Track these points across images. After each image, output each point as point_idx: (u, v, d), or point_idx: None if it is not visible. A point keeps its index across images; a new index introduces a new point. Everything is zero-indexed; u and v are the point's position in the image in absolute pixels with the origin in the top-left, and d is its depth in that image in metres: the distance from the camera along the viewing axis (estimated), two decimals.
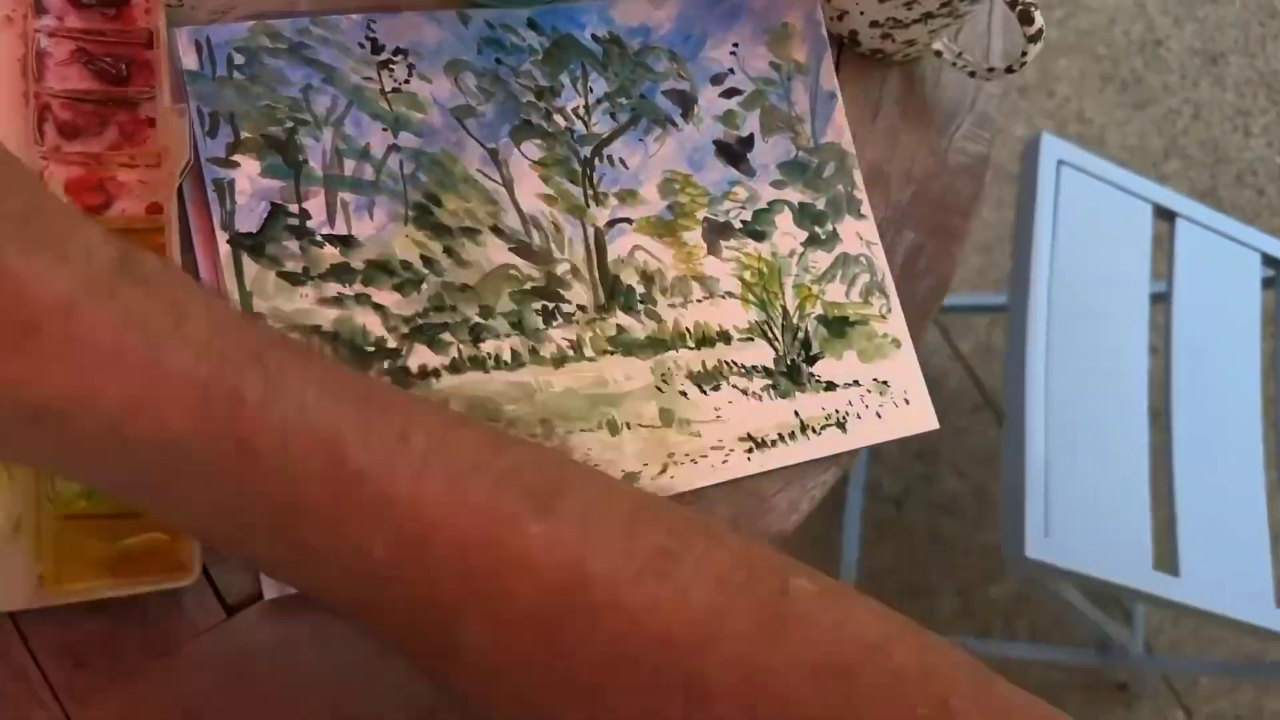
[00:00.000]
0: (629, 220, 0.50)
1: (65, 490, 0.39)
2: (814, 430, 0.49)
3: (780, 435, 0.49)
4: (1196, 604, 1.03)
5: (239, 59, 0.46)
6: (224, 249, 0.43)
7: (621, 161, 0.51)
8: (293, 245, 0.44)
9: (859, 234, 0.53)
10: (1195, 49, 2.09)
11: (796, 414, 0.49)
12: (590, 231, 0.49)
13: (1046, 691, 0.32)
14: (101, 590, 0.38)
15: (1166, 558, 1.05)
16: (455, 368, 0.45)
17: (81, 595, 0.38)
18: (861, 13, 0.55)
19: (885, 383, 0.51)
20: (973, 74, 0.57)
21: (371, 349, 0.44)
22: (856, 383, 0.51)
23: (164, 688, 0.39)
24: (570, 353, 0.47)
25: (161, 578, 0.39)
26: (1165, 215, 1.19)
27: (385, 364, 0.44)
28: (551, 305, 0.47)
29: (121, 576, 0.39)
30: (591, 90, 0.51)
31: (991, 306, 1.59)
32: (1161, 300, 1.16)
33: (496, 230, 0.48)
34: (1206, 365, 1.14)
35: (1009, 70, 0.55)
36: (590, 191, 0.50)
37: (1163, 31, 2.08)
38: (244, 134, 0.45)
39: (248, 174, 0.44)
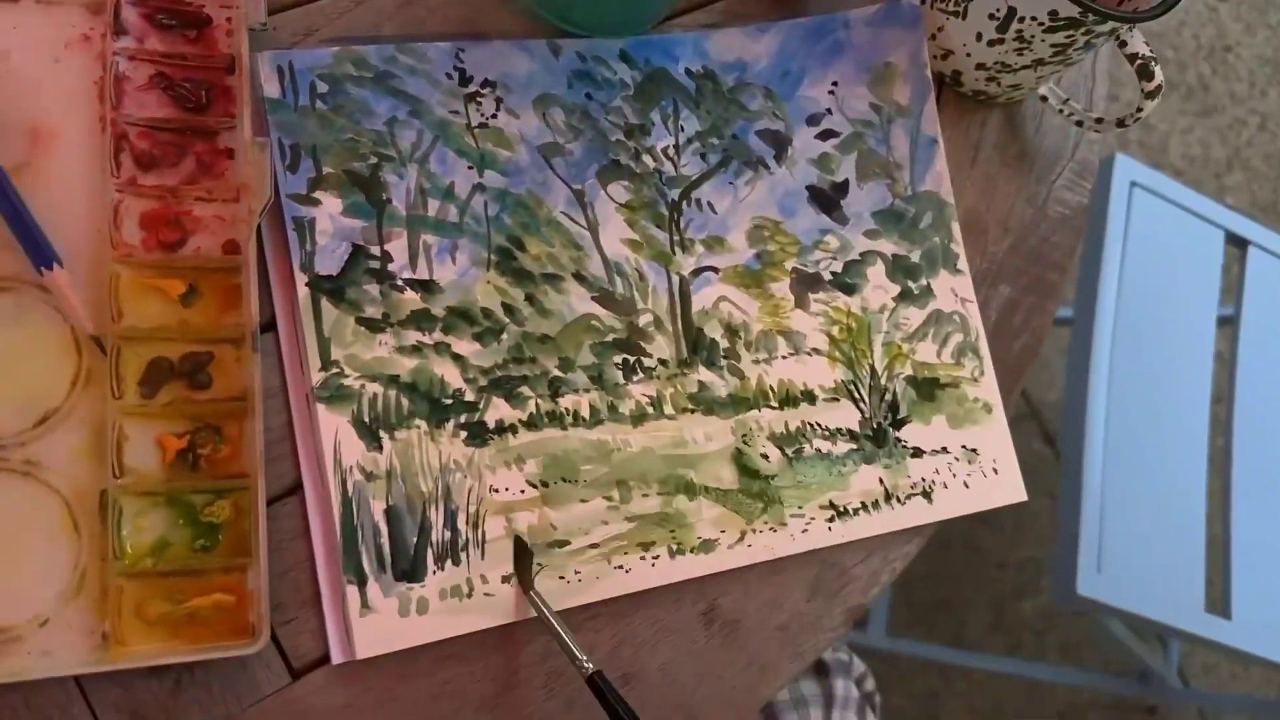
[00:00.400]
0: (715, 269, 0.48)
1: (132, 547, 0.38)
2: (899, 500, 0.47)
3: (864, 504, 0.47)
4: (1248, 649, 1.01)
5: (322, 87, 0.43)
6: (303, 292, 0.41)
7: (710, 206, 0.48)
8: (373, 289, 0.42)
9: (954, 290, 0.51)
10: (1265, 57, 2.02)
11: (881, 481, 0.47)
12: (675, 281, 0.47)
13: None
14: (165, 656, 0.37)
15: (1219, 600, 1.02)
16: (532, 423, 0.43)
17: (144, 660, 0.37)
18: (968, 54, 0.52)
19: (974, 450, 0.49)
20: (1080, 123, 0.54)
21: (449, 401, 0.42)
22: (945, 449, 0.49)
23: None
24: (650, 410, 0.45)
25: (228, 644, 0.38)
26: (1237, 242, 1.15)
27: (463, 417, 0.42)
28: (632, 359, 0.45)
29: (186, 638, 0.38)
30: (683, 129, 0.49)
31: None
32: (1227, 324, 1.12)
33: (579, 277, 0.45)
34: (1270, 403, 1.10)
35: (1120, 124, 0.52)
36: (676, 237, 0.47)
37: (1233, 38, 2.01)
38: (326, 169, 0.43)
39: (329, 212, 0.42)
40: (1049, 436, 1.65)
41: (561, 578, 0.42)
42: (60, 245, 0.39)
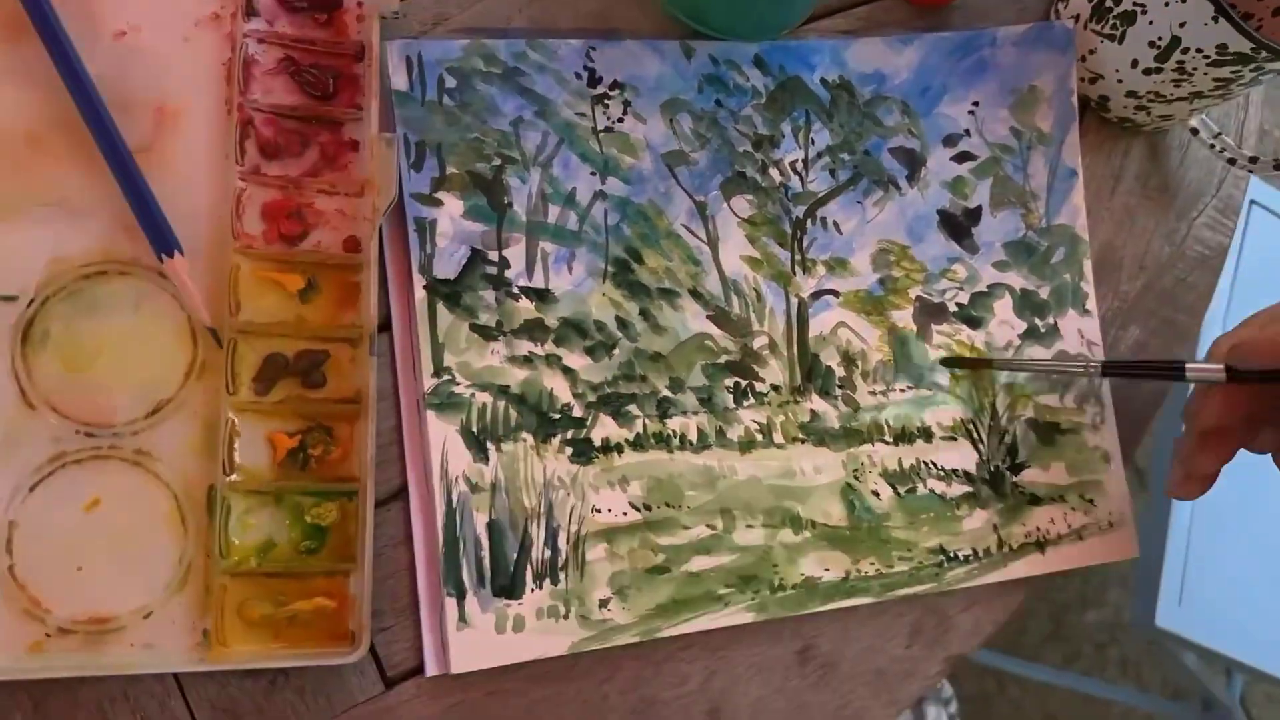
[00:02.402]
0: (835, 293, 0.46)
1: (237, 545, 0.37)
2: (1010, 549, 0.45)
3: (974, 550, 0.45)
4: None
5: (451, 82, 0.42)
6: (420, 295, 0.40)
7: (835, 225, 0.46)
8: (489, 296, 0.41)
9: (1081, 331, 0.48)
10: None
11: (995, 528, 0.45)
12: (793, 303, 0.45)
13: None
14: (265, 659, 0.37)
15: None
16: (639, 444, 0.42)
17: (244, 662, 0.36)
18: (1120, 80, 0.49)
19: (1091, 501, 0.47)
20: (1232, 161, 0.51)
21: (557, 415, 0.41)
22: (1062, 498, 0.47)
23: None
24: (759, 437, 0.44)
25: (328, 650, 0.37)
26: None
27: (570, 433, 0.41)
28: (744, 383, 0.44)
29: (286, 641, 0.37)
30: (813, 142, 0.46)
31: None
32: None
33: (695, 294, 0.44)
34: None
35: (1278, 166, 0.49)
36: (798, 257, 0.46)
37: None
38: (450, 169, 0.42)
39: (450, 214, 0.41)
40: (1137, 469, 1.61)
41: (659, 605, 0.41)
42: (180, 232, 0.39)
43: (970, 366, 0.46)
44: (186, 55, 0.40)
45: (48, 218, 0.38)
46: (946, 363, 0.46)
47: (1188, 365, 0.41)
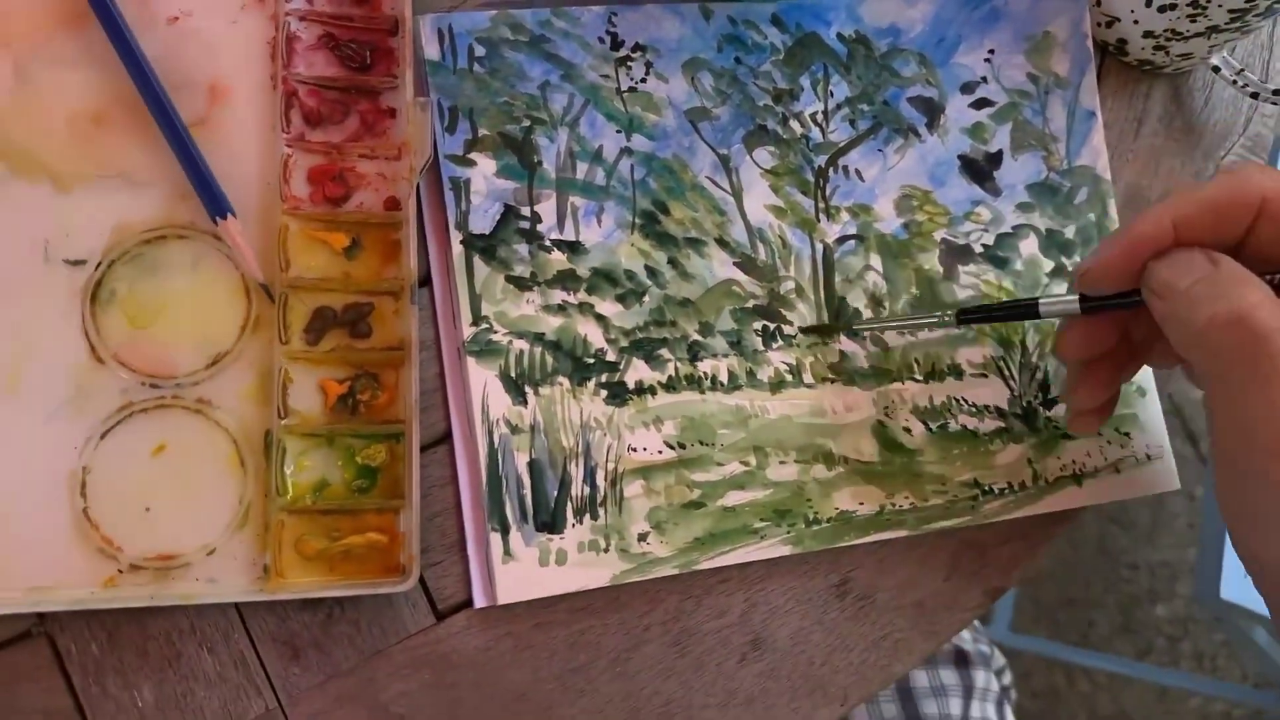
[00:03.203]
0: (860, 237, 0.47)
1: (294, 485, 0.39)
2: (1046, 482, 0.46)
3: (1009, 484, 0.46)
4: None
5: (480, 50, 0.44)
6: (457, 249, 0.43)
7: (858, 173, 0.48)
8: (523, 249, 0.43)
9: None
10: None
11: (1029, 462, 0.46)
12: (819, 248, 0.46)
13: None
14: (322, 588, 0.39)
15: None
16: (671, 386, 0.44)
17: (302, 591, 0.38)
18: (1135, 21, 0.49)
19: (1128, 434, 0.47)
20: (1255, 95, 0.51)
21: (591, 360, 0.43)
22: (1098, 432, 0.47)
23: (371, 687, 0.40)
24: (789, 377, 0.45)
25: (380, 580, 0.39)
26: None
27: (604, 376, 0.43)
28: (773, 326, 0.45)
29: (341, 574, 0.39)
30: (832, 94, 0.48)
31: None
32: None
33: (722, 243, 0.45)
34: None
35: None
36: (822, 204, 0.47)
37: None
38: (482, 131, 0.44)
39: (484, 173, 0.43)
40: (1191, 435, 1.57)
41: (696, 539, 0.42)
42: (233, 197, 0.41)
43: (820, 333, 0.46)
44: (235, 36, 0.43)
45: (112, 188, 0.41)
46: (805, 330, 0.45)
47: (1041, 301, 0.40)
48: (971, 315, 0.43)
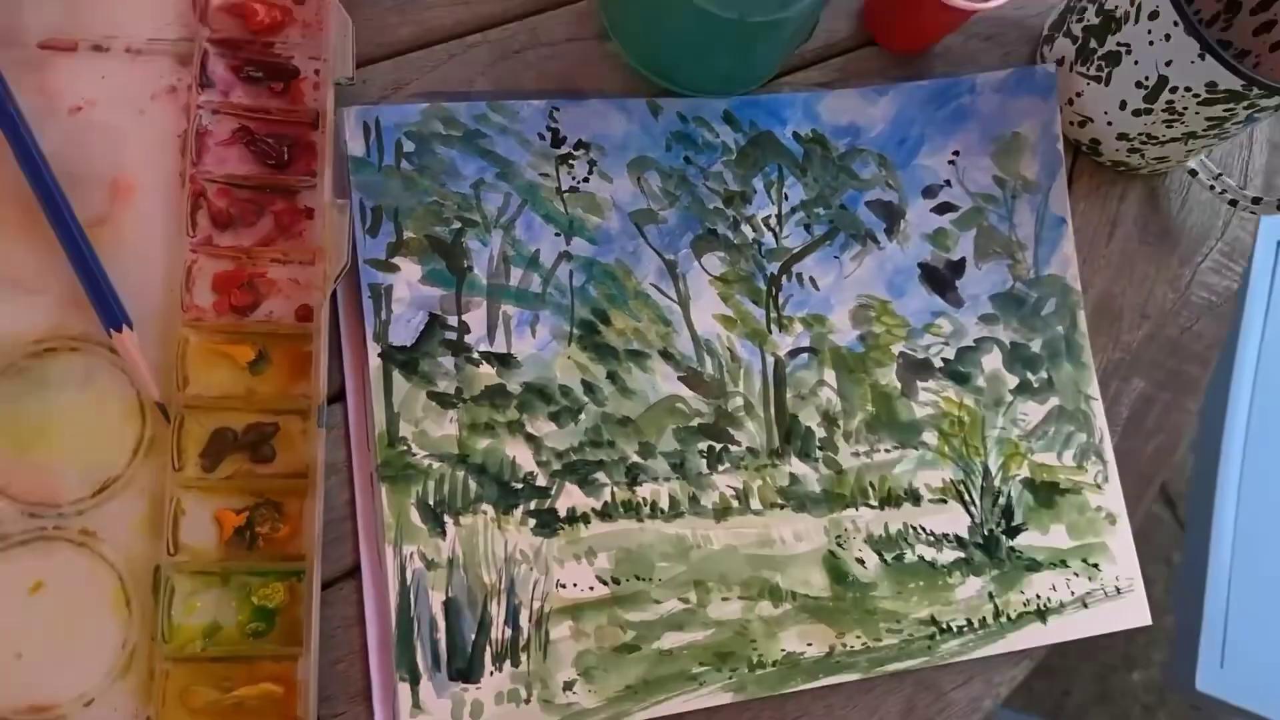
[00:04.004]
0: (814, 350, 0.44)
1: (182, 629, 0.36)
2: (1008, 618, 0.43)
3: (969, 621, 0.42)
4: None
5: (409, 145, 0.41)
6: (374, 363, 0.39)
7: (812, 281, 0.45)
8: (448, 362, 0.40)
9: (1077, 384, 0.46)
10: None
11: (990, 596, 0.43)
12: (769, 361, 0.43)
13: None
14: None
15: None
16: (607, 513, 0.40)
17: None
18: (1109, 123, 0.47)
19: (1096, 566, 0.44)
20: (1234, 203, 0.49)
21: (519, 485, 0.40)
22: (1064, 563, 0.44)
23: None
24: (735, 503, 0.42)
25: None
26: None
27: (533, 503, 0.40)
28: (719, 446, 0.42)
29: None
30: (787, 197, 0.45)
31: None
32: None
33: (666, 355, 0.42)
34: None
35: None
36: (774, 314, 0.44)
37: None
38: (407, 233, 0.41)
39: (407, 279, 0.40)
40: (1169, 498, 1.55)
41: (629, 686, 0.39)
42: (132, 305, 0.38)
43: None
44: (142, 128, 0.40)
45: None
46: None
47: None
48: None
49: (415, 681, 0.37)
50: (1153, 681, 1.51)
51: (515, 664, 0.38)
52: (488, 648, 0.38)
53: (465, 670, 0.38)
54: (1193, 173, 0.50)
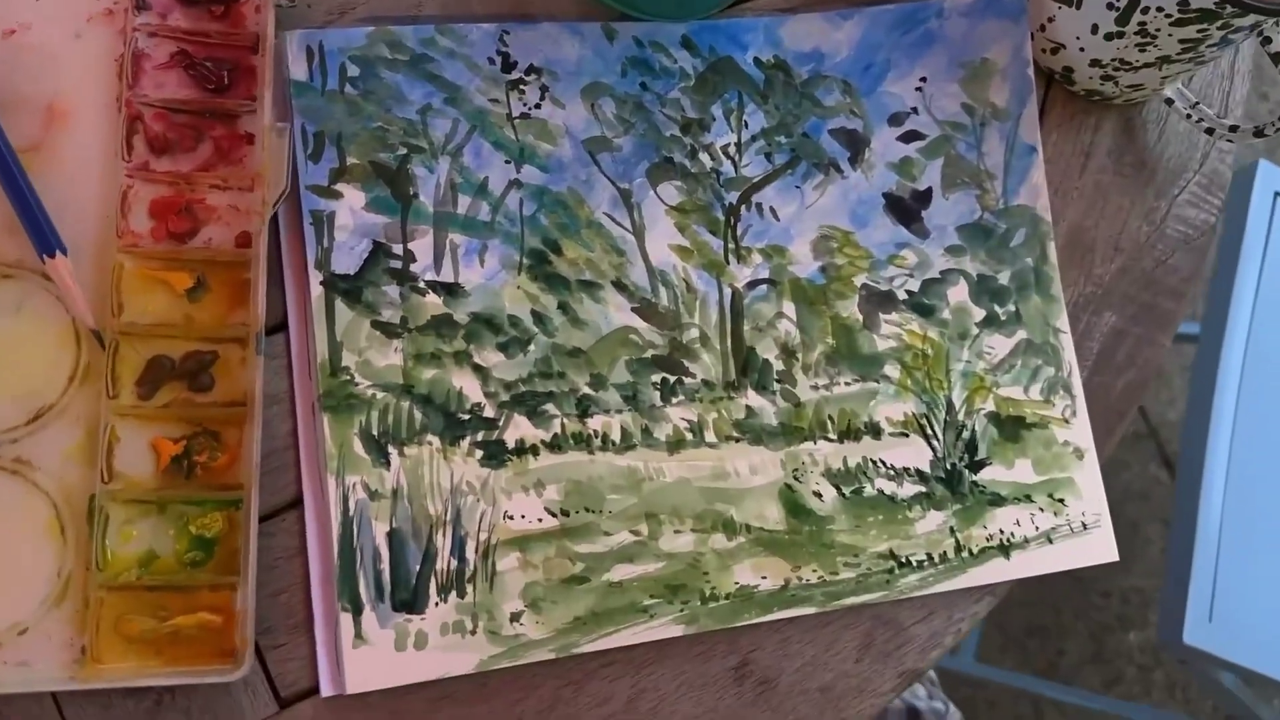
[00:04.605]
0: (773, 281, 0.43)
1: (116, 557, 0.35)
2: (970, 553, 0.42)
3: (929, 555, 0.42)
4: None
5: (353, 70, 0.40)
6: (316, 291, 0.38)
7: (772, 211, 0.43)
8: (392, 291, 0.39)
9: (1046, 317, 0.45)
10: None
11: (952, 531, 0.42)
12: (727, 293, 0.42)
13: None
14: (144, 676, 0.34)
15: None
16: (556, 445, 0.40)
17: (123, 679, 0.34)
18: (1082, 49, 0.45)
19: (1062, 501, 0.43)
20: (1210, 131, 0.47)
21: (466, 416, 0.39)
22: (1028, 498, 0.43)
23: None
24: (688, 436, 0.41)
25: (210, 666, 0.35)
26: None
27: (480, 435, 0.39)
28: (673, 379, 0.41)
29: (168, 658, 0.35)
30: (746, 125, 0.44)
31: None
32: None
33: (619, 286, 0.41)
34: None
35: (1259, 133, 0.45)
36: (732, 245, 0.43)
37: None
38: (350, 159, 0.40)
39: (350, 206, 0.39)
40: (1167, 459, 1.54)
41: (577, 618, 0.38)
42: (68, 232, 0.37)
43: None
44: (78, 52, 0.39)
45: None
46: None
47: None
48: None
49: (358, 612, 0.36)
50: (1148, 643, 1.51)
51: (461, 595, 0.37)
52: (433, 579, 0.37)
53: (409, 601, 0.37)
54: (1169, 101, 0.48)
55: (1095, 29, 0.44)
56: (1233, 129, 0.47)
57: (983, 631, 1.43)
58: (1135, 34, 0.43)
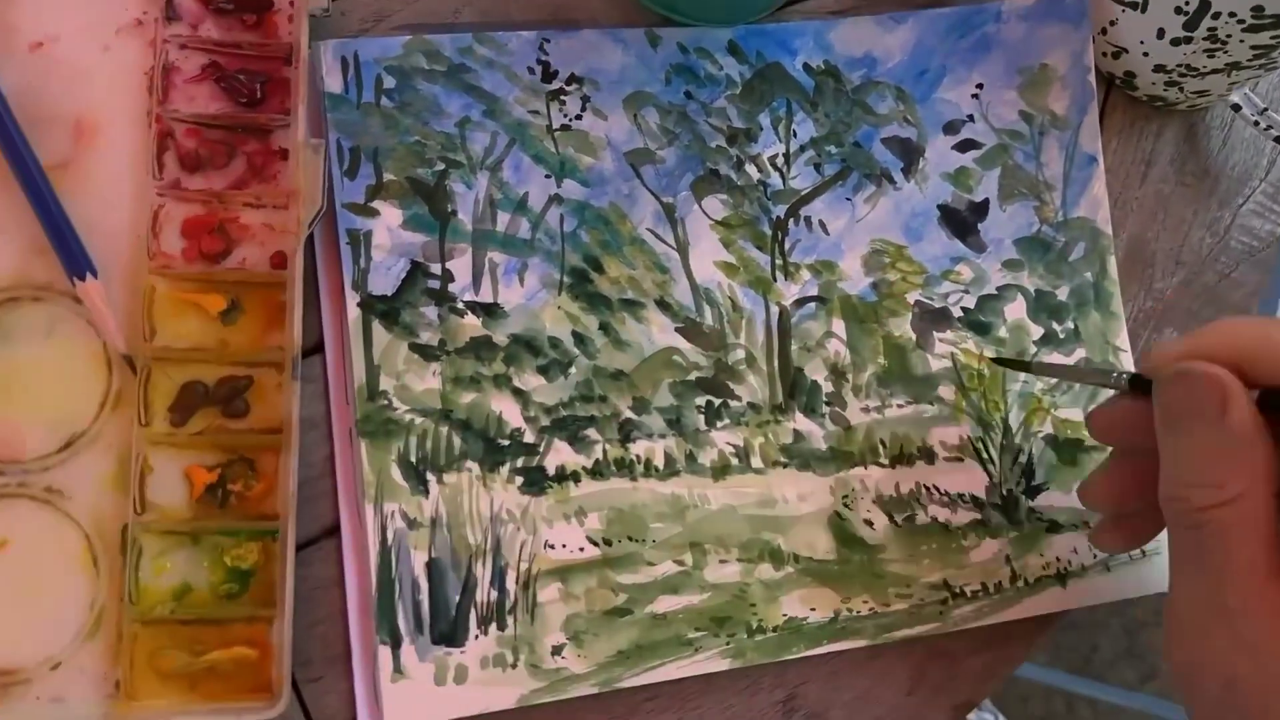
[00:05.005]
0: (822, 299, 0.41)
1: (150, 590, 0.34)
2: (1026, 582, 0.40)
3: (984, 585, 0.40)
4: None
5: (389, 81, 0.39)
6: (353, 313, 0.37)
7: (821, 225, 0.42)
8: (431, 313, 0.38)
9: (1105, 335, 0.43)
10: None
11: (1008, 560, 0.40)
12: (774, 311, 0.41)
13: None
14: (180, 713, 0.34)
15: None
16: (598, 472, 0.38)
17: (158, 715, 0.34)
18: (1146, 54, 0.43)
19: None
20: (1279, 139, 0.45)
21: (506, 442, 0.38)
22: (1086, 524, 0.41)
23: None
24: (734, 461, 0.39)
25: (246, 703, 0.34)
26: None
27: (520, 461, 0.38)
28: (718, 402, 0.40)
29: (204, 693, 0.34)
30: (795, 134, 0.42)
31: None
32: None
33: (663, 305, 0.40)
34: None
35: None
36: (779, 261, 0.41)
37: None
38: (387, 175, 0.38)
39: (387, 225, 0.38)
40: None
41: (620, 651, 0.37)
42: (98, 253, 0.36)
43: (1012, 368, 0.41)
44: (107, 65, 0.38)
45: None
46: (998, 362, 0.41)
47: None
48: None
49: (397, 645, 0.35)
50: None
51: (501, 627, 0.36)
52: (472, 610, 0.36)
53: (449, 634, 0.36)
54: (1236, 107, 0.46)
55: (1161, 34, 0.42)
56: None
57: None
58: (1204, 39, 0.41)
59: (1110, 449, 0.38)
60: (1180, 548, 0.32)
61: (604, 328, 0.39)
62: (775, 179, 0.42)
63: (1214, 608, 0.30)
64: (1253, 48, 0.40)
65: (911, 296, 0.42)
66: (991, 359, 0.41)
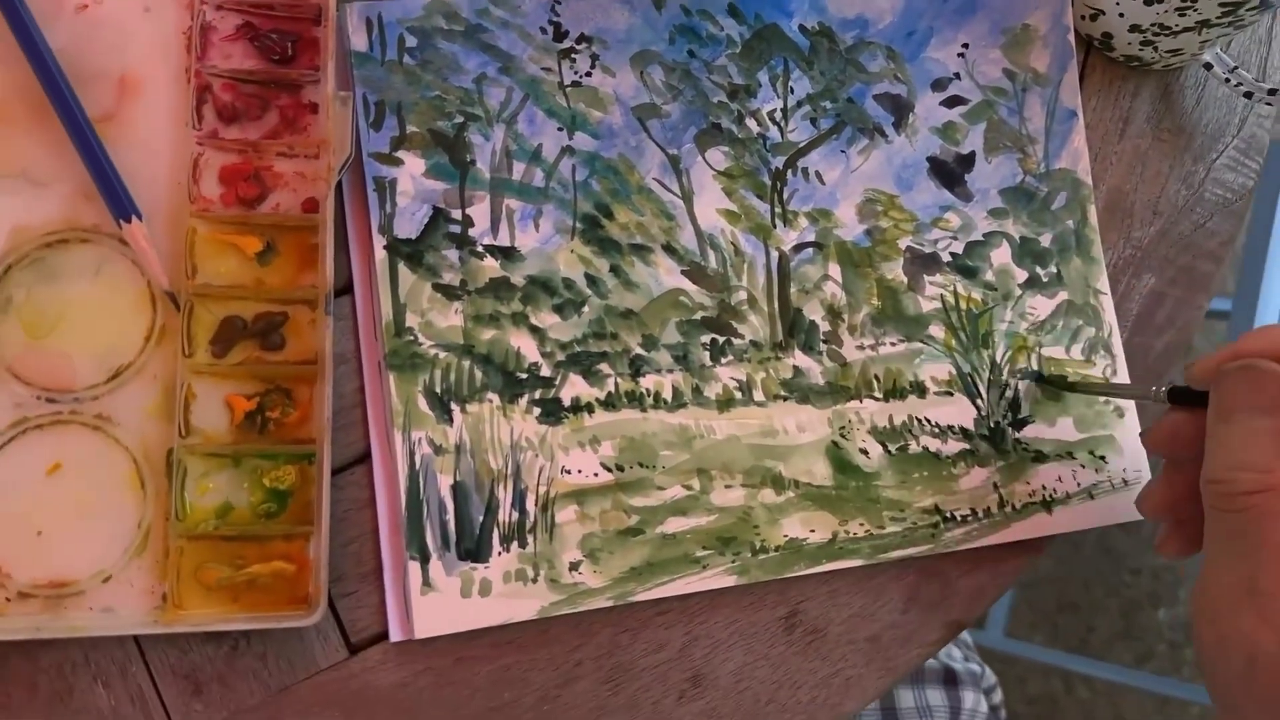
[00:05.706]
0: (819, 245, 0.44)
1: (195, 508, 0.37)
2: (1013, 508, 0.43)
3: (973, 510, 0.43)
4: None
5: (411, 41, 0.42)
6: (380, 255, 0.40)
7: (818, 175, 0.44)
8: (452, 255, 0.40)
9: (1087, 279, 0.46)
10: None
11: (995, 487, 0.43)
12: (774, 256, 0.43)
13: None
14: (222, 621, 0.36)
15: None
16: (610, 403, 0.41)
17: (202, 624, 0.36)
18: (1121, 14, 0.46)
19: (1103, 458, 0.44)
20: (1249, 95, 0.48)
21: (524, 375, 0.40)
22: (1070, 454, 0.44)
23: None
24: (738, 395, 0.42)
25: (285, 612, 0.37)
26: None
27: (538, 393, 0.40)
28: (722, 339, 0.42)
29: (244, 605, 0.37)
30: (792, 91, 0.45)
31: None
32: None
33: (669, 249, 0.43)
34: None
35: None
36: (778, 209, 0.44)
37: None
38: (410, 128, 0.41)
39: (411, 173, 0.41)
40: None
41: (633, 568, 0.40)
42: (141, 198, 0.39)
43: (1059, 387, 0.44)
44: (148, 25, 0.41)
45: (10, 188, 0.38)
46: (1039, 382, 0.44)
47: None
48: (1186, 394, 0.37)
49: (425, 561, 0.38)
50: (1178, 620, 1.51)
51: (522, 545, 0.39)
52: (495, 529, 0.39)
53: (474, 550, 0.38)
54: (1208, 66, 0.49)
55: None
56: (1271, 92, 0.47)
57: (1013, 607, 1.44)
58: None
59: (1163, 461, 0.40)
60: (1217, 530, 0.33)
61: (614, 270, 0.42)
62: (774, 132, 0.44)
63: (1246, 589, 0.31)
64: (1221, 4, 0.43)
65: (903, 242, 0.45)
66: (1035, 380, 0.44)
